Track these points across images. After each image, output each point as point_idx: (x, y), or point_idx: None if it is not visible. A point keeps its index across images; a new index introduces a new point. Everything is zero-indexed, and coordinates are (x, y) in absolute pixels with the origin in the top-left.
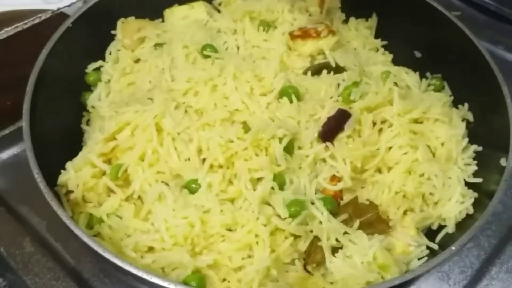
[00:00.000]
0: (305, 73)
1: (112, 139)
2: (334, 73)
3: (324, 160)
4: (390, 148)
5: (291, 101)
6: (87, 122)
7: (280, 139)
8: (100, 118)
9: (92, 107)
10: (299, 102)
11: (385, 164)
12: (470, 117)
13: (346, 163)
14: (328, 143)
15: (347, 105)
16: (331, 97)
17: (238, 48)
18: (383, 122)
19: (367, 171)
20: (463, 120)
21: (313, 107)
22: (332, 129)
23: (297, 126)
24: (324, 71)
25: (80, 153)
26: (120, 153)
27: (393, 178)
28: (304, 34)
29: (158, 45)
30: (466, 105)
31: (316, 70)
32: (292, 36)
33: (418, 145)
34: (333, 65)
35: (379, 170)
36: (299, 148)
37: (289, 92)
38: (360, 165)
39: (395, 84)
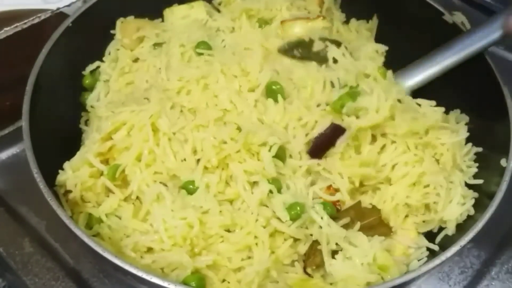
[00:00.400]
0: (280, 51)
1: (109, 138)
2: (320, 63)
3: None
4: (394, 165)
5: (276, 101)
6: (86, 122)
7: (270, 147)
8: (97, 118)
9: (91, 107)
10: (286, 101)
11: (388, 179)
12: (466, 119)
13: (344, 177)
14: (318, 160)
15: (338, 114)
16: (319, 105)
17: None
18: (383, 135)
19: (366, 186)
20: (458, 122)
21: (299, 109)
22: (322, 147)
23: (286, 133)
24: (313, 63)
25: (78, 153)
26: (117, 153)
27: (396, 190)
28: (295, 19)
29: (157, 45)
30: (458, 110)
31: (291, 48)
32: (283, 22)
33: (424, 157)
34: (306, 39)
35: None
36: (290, 156)
37: (275, 90)
38: (359, 182)
39: (399, 100)
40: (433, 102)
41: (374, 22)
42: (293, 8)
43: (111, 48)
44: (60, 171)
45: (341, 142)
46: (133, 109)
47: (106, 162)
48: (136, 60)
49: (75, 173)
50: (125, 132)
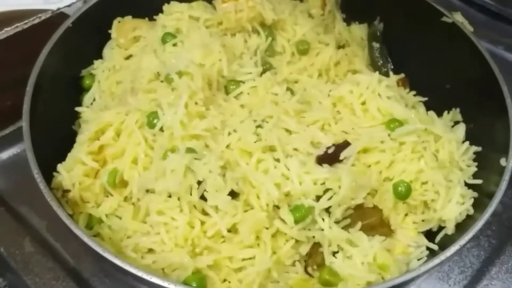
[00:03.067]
0: None
1: (97, 138)
2: None
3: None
4: (392, 162)
5: None
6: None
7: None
8: (84, 121)
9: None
10: None
11: (388, 177)
12: (459, 117)
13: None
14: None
15: None
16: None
17: None
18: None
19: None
20: (457, 122)
21: None
22: (330, 157)
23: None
24: None
25: (69, 154)
26: (111, 158)
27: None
28: None
29: (168, 35)
30: (458, 109)
31: None
32: None
33: (423, 153)
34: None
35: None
36: None
37: None
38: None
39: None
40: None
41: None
42: (296, 12)
43: (106, 48)
44: (54, 173)
45: (345, 156)
46: (118, 111)
47: (101, 164)
48: (128, 57)
49: (69, 173)
50: (112, 133)
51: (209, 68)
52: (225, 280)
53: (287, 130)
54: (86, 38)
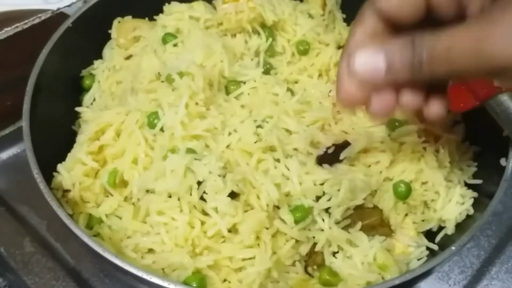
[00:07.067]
0: None
1: (97, 139)
2: None
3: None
4: (392, 161)
5: None
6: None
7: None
8: (84, 121)
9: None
10: None
11: (388, 177)
12: (459, 117)
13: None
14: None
15: None
16: None
17: None
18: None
19: None
20: (457, 122)
21: None
22: (331, 157)
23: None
24: None
25: (69, 155)
26: (110, 158)
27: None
28: None
29: (168, 35)
30: None
31: None
32: None
33: (423, 153)
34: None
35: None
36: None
37: None
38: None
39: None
40: None
41: None
42: (296, 12)
43: (106, 48)
44: (54, 173)
45: (345, 156)
46: (118, 111)
47: (101, 164)
48: (129, 57)
49: (69, 173)
50: (112, 133)
51: (210, 69)
52: (225, 280)
53: (287, 130)
54: (86, 38)
